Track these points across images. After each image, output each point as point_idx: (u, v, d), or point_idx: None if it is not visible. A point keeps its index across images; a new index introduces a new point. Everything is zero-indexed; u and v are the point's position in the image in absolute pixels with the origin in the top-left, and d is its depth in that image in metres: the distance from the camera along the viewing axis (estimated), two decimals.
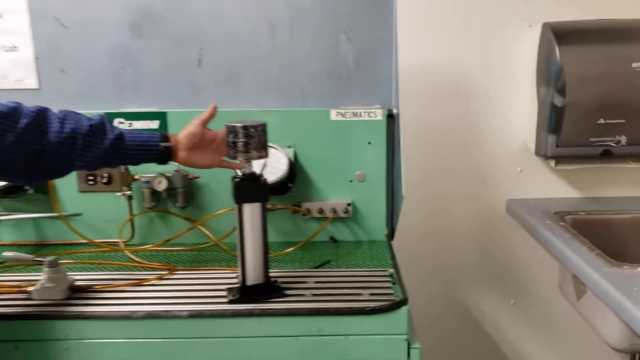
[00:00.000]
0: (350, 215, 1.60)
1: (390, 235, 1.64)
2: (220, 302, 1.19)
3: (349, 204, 1.59)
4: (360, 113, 1.56)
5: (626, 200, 1.86)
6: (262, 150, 1.20)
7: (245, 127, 1.17)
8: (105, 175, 1.56)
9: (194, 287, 1.29)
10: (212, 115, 1.27)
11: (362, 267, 1.41)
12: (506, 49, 1.81)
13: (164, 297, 1.24)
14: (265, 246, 1.21)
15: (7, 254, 1.36)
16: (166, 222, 1.61)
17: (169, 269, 1.39)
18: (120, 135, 1.18)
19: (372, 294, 1.22)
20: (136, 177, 1.54)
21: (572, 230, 1.57)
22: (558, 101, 1.67)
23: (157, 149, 1.21)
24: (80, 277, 1.32)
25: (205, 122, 1.26)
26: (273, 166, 1.50)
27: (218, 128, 1.27)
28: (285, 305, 1.18)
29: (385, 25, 1.55)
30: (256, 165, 1.45)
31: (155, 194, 1.55)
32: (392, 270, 1.36)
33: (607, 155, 1.71)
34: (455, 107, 1.85)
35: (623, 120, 1.68)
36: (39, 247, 1.59)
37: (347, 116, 1.56)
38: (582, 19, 1.71)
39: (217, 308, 1.17)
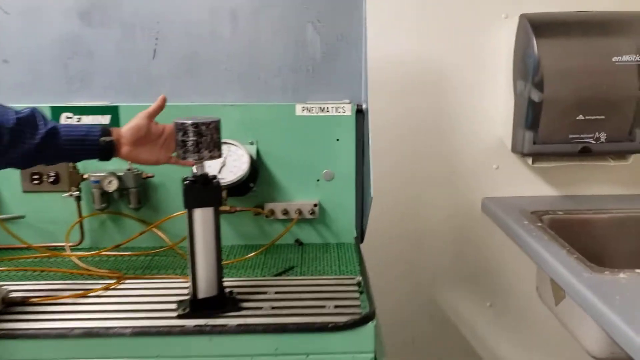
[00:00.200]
0: (317, 216, 1.55)
1: (360, 237, 1.58)
2: (168, 317, 1.09)
3: (315, 205, 1.53)
4: (327, 108, 1.51)
5: (605, 199, 1.84)
6: (215, 149, 1.09)
7: (195, 125, 1.06)
8: (52, 174, 1.49)
9: (142, 298, 1.19)
10: (160, 108, 1.18)
11: (328, 274, 1.34)
12: (481, 42, 1.77)
13: (109, 310, 1.13)
14: (219, 255, 1.11)
15: None
16: (118, 225, 1.53)
17: (117, 277, 1.28)
18: (54, 129, 1.08)
19: (337, 306, 1.14)
20: (85, 176, 1.46)
21: (550, 231, 1.53)
22: (535, 96, 1.63)
23: (97, 143, 1.11)
24: (17, 288, 1.20)
25: (152, 115, 1.17)
26: (233, 164, 1.43)
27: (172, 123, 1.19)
28: (240, 321, 1.08)
29: (355, 16, 1.52)
30: (214, 164, 1.36)
31: (105, 194, 1.47)
32: (359, 278, 1.28)
33: (586, 152, 1.71)
34: (428, 102, 1.81)
35: (603, 117, 1.67)
36: None
37: (313, 111, 1.51)
38: (561, 10, 1.68)
39: (164, 324, 1.07)
